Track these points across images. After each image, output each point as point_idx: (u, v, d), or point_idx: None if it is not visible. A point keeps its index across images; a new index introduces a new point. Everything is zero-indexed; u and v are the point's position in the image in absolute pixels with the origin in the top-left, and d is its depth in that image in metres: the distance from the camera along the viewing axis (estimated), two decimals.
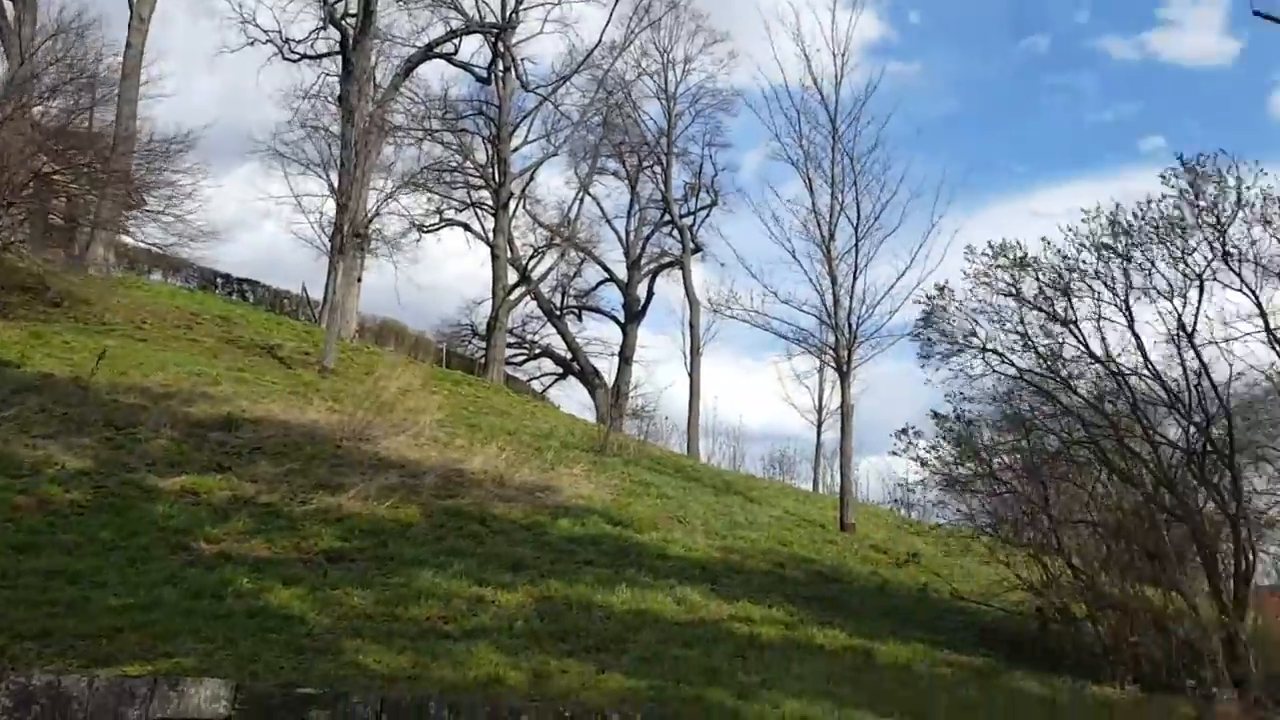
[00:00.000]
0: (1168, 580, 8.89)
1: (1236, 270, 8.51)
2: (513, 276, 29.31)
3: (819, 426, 27.37)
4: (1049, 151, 69.42)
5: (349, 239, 19.49)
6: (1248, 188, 8.42)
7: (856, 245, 15.51)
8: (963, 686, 7.33)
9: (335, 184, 24.05)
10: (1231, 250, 8.53)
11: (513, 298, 29.44)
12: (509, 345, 31.61)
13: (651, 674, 6.42)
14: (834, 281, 15.44)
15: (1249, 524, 8.62)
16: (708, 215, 32.49)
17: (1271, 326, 8.51)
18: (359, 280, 25.88)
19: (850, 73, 19.48)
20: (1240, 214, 8.42)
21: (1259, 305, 8.54)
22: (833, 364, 16.01)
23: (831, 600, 10.01)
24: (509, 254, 29.12)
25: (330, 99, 25.46)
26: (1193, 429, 8.91)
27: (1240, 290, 8.56)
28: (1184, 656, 8.03)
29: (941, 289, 9.90)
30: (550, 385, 33.56)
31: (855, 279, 15.36)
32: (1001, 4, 69.55)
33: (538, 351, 33.71)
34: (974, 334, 9.75)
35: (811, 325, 16.64)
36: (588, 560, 9.24)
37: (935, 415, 10.21)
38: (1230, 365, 8.67)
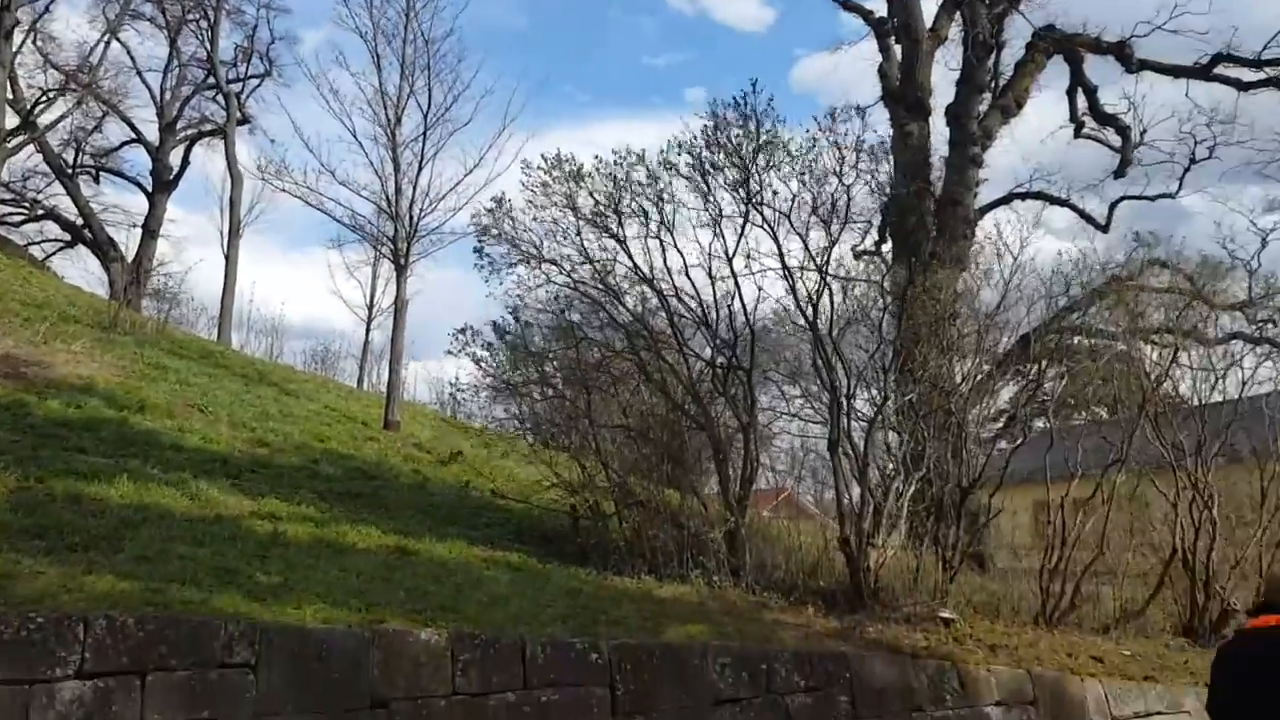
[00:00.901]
0: (686, 482, 9.64)
1: (759, 210, 9.23)
2: (13, 121, 24.46)
3: (369, 323, 26.48)
4: (609, 86, 73.04)
5: None
6: (767, 136, 9.16)
7: (425, 133, 14.86)
8: (496, 581, 7.30)
9: None
10: (754, 191, 9.21)
11: (11, 144, 24.61)
12: (3, 201, 26.65)
13: (151, 575, 5.55)
14: (397, 169, 14.68)
15: (757, 434, 9.56)
16: (259, 84, 29.62)
17: (786, 263, 9.35)
18: None
19: None
20: (760, 160, 9.13)
21: (776, 242, 9.33)
22: (389, 256, 15.31)
23: (369, 497, 9.57)
24: (9, 94, 24.19)
25: None
26: (719, 347, 9.61)
27: (762, 227, 9.32)
28: (693, 549, 8.71)
29: (499, 201, 9.77)
30: (54, 253, 28.76)
31: (421, 169, 14.73)
32: None
33: (41, 213, 28.66)
34: (533, 245, 9.74)
35: (369, 212, 15.81)
36: (80, 448, 7.91)
37: (495, 325, 10.17)
38: (758, 291, 9.47)
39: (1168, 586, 11.21)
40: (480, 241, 9.89)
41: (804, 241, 9.19)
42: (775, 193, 9.22)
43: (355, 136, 14.86)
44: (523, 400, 10.61)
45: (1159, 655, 9.68)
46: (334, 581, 6.35)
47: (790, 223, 9.23)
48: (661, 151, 9.37)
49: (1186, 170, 19.64)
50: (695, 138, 9.22)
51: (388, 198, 14.65)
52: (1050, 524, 10.36)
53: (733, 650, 6.66)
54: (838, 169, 9.12)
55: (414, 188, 14.62)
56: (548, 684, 5.78)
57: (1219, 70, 18.61)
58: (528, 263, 9.85)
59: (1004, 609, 9.62)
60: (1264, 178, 21.28)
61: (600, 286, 9.75)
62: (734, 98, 9.08)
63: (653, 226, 9.36)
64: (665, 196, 9.41)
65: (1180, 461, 11.80)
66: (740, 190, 9.19)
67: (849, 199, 9.23)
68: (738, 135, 9.11)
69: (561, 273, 9.80)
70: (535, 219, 9.66)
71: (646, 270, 9.55)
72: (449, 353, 10.15)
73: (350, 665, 5.21)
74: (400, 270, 14.87)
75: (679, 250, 9.43)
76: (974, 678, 7.50)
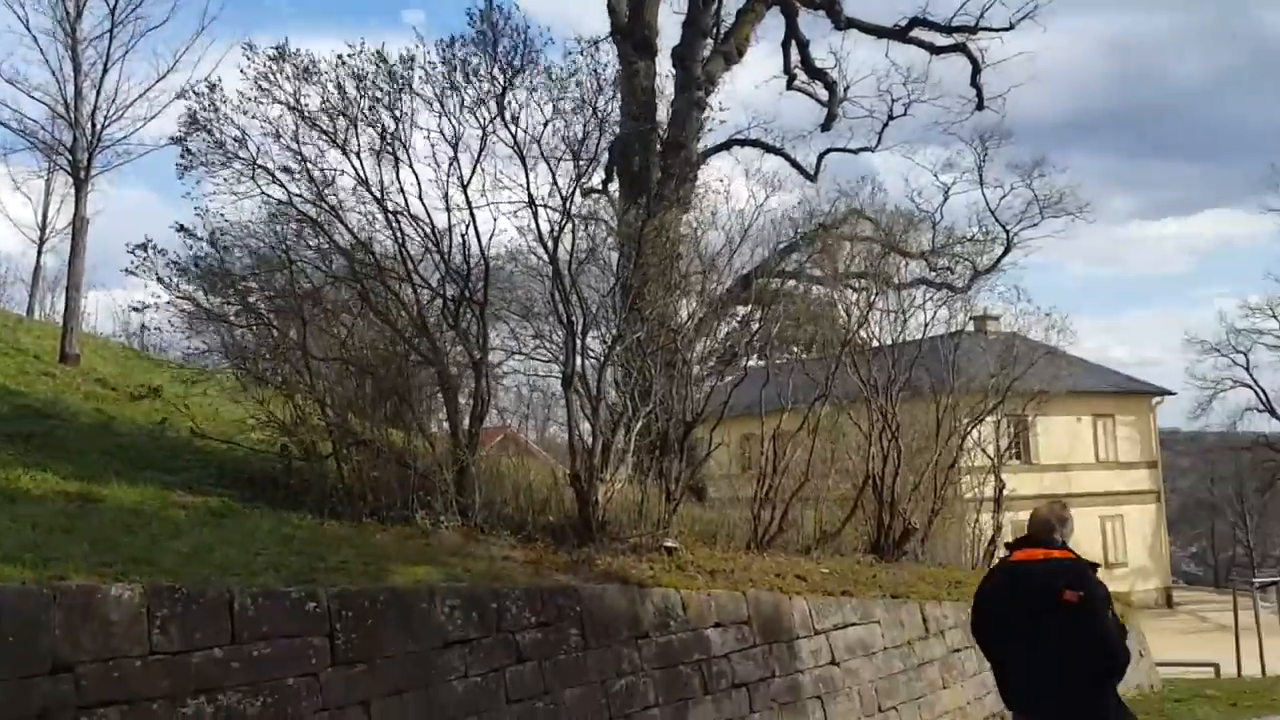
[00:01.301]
0: (412, 419, 9.23)
1: (512, 132, 8.85)
2: None
3: (41, 244, 23.37)
4: (320, 2, 68.51)
5: None
6: (522, 56, 8.78)
7: (111, 31, 13.10)
8: (198, 530, 6.64)
9: None
10: (498, 114, 8.82)
11: None
12: None
13: None
14: (78, 70, 12.88)
15: (489, 370, 9.31)
16: None
17: (532, 194, 9.05)
18: None
19: None
20: (521, 79, 8.75)
21: (525, 170, 9.00)
22: (67, 168, 13.47)
23: (42, 439, 8.44)
24: None
25: None
26: (451, 277, 9.20)
27: (511, 153, 8.94)
28: (420, 490, 8.39)
29: (213, 86, 8.63)
30: None
31: (106, 71, 13.00)
32: None
33: None
34: (244, 147, 8.69)
35: (43, 117, 13.81)
36: None
37: (182, 229, 8.91)
38: (494, 220, 9.12)
39: (860, 509, 12.24)
40: (182, 134, 8.70)
41: (552, 173, 8.95)
42: (515, 119, 8.83)
43: (29, 29, 12.89)
44: (226, 330, 9.63)
45: (853, 571, 10.55)
46: (3, 533, 5.51)
47: (541, 151, 8.92)
48: (401, 60, 8.69)
49: (885, 126, 21.27)
50: (439, 48, 8.63)
51: (66, 102, 12.85)
52: (763, 455, 10.95)
53: (461, 591, 6.47)
54: (592, 100, 8.91)
55: (98, 92, 12.92)
56: (260, 637, 5.32)
57: (915, 33, 20.18)
58: (235, 168, 8.77)
59: (721, 536, 10.08)
60: (949, 135, 23.44)
61: (320, 203, 8.97)
62: (479, 10, 8.58)
63: (387, 139, 8.68)
64: (403, 109, 8.76)
65: (873, 396, 12.86)
66: (483, 110, 8.73)
67: (601, 132, 9.07)
68: (487, 52, 8.61)
69: (275, 183, 8.88)
70: (252, 115, 8.64)
71: (376, 189, 8.87)
72: (128, 271, 8.84)
73: (26, 626, 4.52)
74: (80, 185, 13.11)
75: (414, 170, 8.84)
76: (695, 602, 7.78)
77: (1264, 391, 46.83)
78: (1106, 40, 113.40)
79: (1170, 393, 36.28)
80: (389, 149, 8.65)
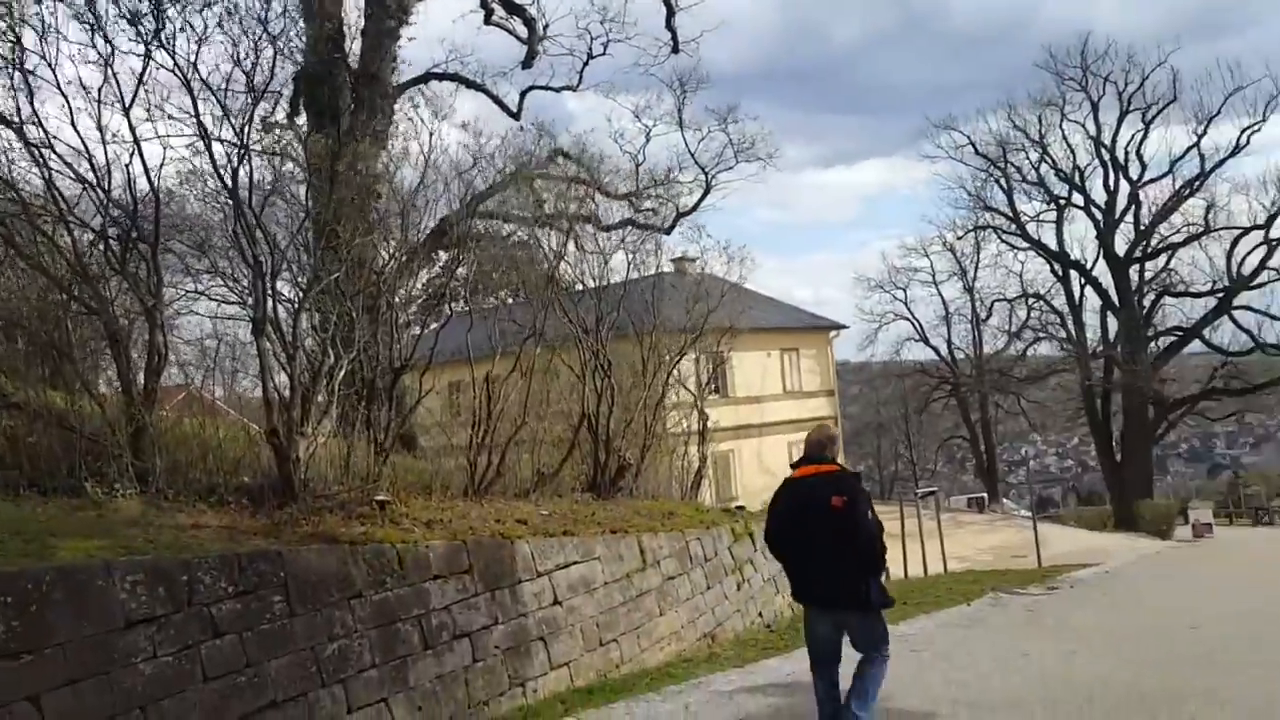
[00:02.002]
0: (76, 378, 8.10)
1: (170, 50, 7.83)
2: None
3: None
4: None
5: None
6: None
7: None
8: None
9: None
10: (158, 30, 7.81)
11: None
12: None
13: None
14: None
15: (163, 318, 8.33)
16: None
17: (202, 122, 8.10)
18: None
19: None
20: None
21: (192, 96, 8.02)
22: None
23: None
24: None
25: None
26: (114, 217, 8.10)
27: (174, 74, 7.93)
28: (89, 456, 7.40)
29: None
30: None
31: None
32: None
33: None
34: None
35: None
36: None
37: None
38: (164, 150, 8.09)
39: (577, 449, 12.33)
40: None
41: (220, 103, 8.03)
42: (173, 38, 7.83)
43: None
44: None
45: (572, 511, 10.60)
46: None
47: (205, 77, 7.98)
48: None
49: (585, 65, 21.31)
50: None
51: None
52: (476, 400, 10.69)
53: (144, 565, 5.76)
54: (262, 18, 8.07)
55: None
56: None
57: None
58: None
59: (436, 486, 9.75)
60: (650, 78, 23.94)
61: None
62: None
63: (21, 56, 7.42)
64: (42, 21, 7.50)
65: (583, 337, 12.93)
66: (143, 25, 7.64)
67: (277, 57, 8.26)
68: None
69: None
70: None
71: (12, 114, 7.58)
72: None
73: None
74: None
75: (63, 93, 7.63)
76: (413, 555, 7.45)
77: (919, 323, 52.63)
78: None
79: (844, 326, 39.73)
80: (20, 67, 7.40)
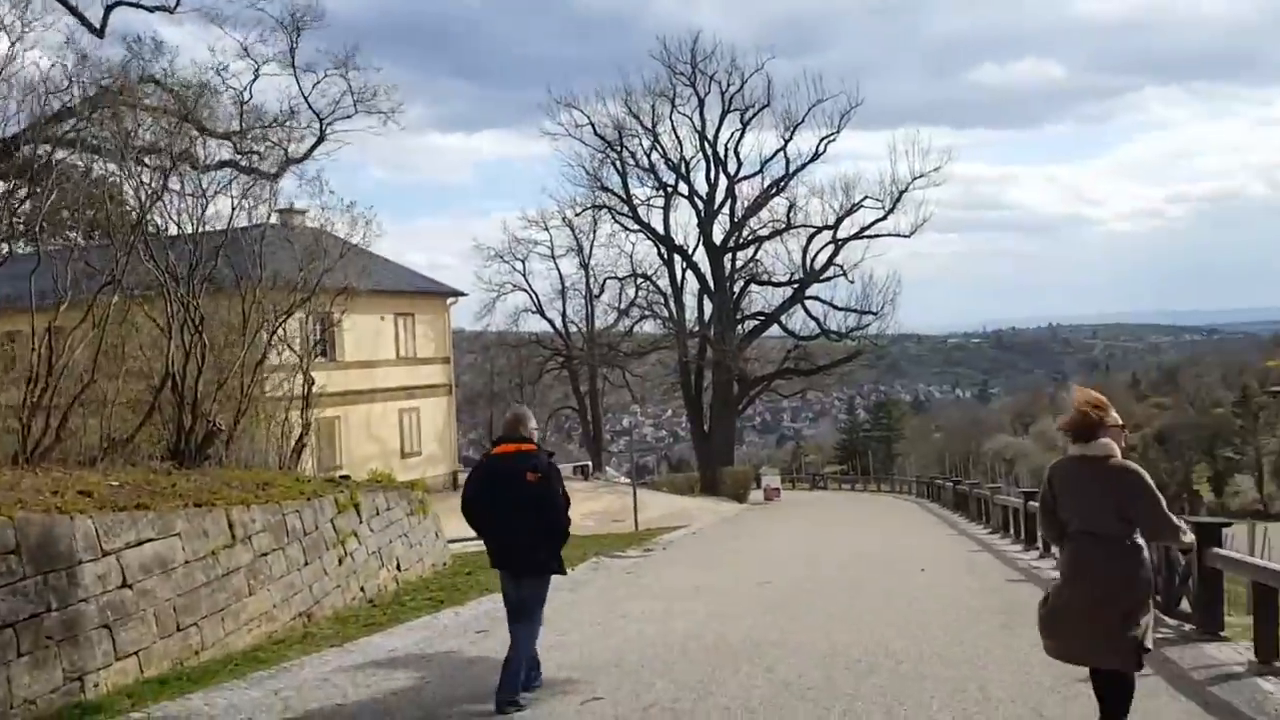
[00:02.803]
0: None
1: None
2: None
3: None
4: None
5: None
6: None
7: None
8: None
9: None
10: None
11: None
12: None
13: None
14: None
15: None
16: None
17: None
18: None
19: None
20: None
21: None
22: None
23: None
24: None
25: None
26: None
27: None
28: None
29: None
30: None
31: None
32: None
33: None
34: None
35: None
36: None
37: None
38: None
39: (158, 412, 11.04)
40: None
41: None
42: None
43: None
44: None
45: (148, 482, 9.44)
46: None
47: None
48: None
49: None
50: None
51: None
52: (34, 353, 9.17)
53: None
54: None
55: None
56: None
57: None
58: None
59: None
60: (259, 12, 21.96)
61: None
62: None
63: None
64: None
65: (172, 287, 11.62)
66: None
67: None
68: None
69: None
70: None
71: None
72: None
73: None
74: None
75: None
76: None
77: (537, 295, 53.85)
78: None
79: (463, 294, 39.55)
80: None
